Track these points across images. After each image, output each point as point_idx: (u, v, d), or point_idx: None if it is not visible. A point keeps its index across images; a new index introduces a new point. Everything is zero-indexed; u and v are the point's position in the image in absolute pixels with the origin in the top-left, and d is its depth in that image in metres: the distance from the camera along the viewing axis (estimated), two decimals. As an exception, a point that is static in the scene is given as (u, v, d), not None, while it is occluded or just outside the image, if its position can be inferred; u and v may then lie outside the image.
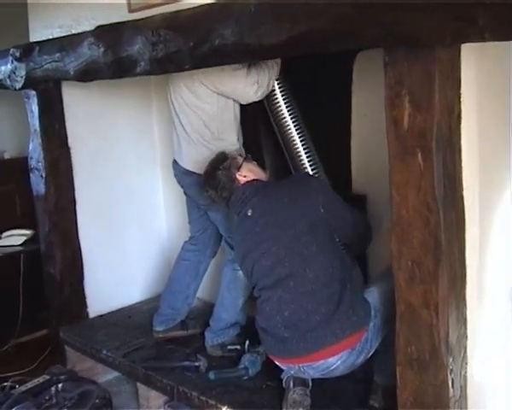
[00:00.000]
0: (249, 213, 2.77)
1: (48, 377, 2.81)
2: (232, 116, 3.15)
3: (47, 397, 2.63)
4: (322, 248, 2.65)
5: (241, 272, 3.20)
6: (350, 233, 2.83)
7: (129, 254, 4.10)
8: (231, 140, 3.16)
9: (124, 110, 4.04)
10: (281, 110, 3.20)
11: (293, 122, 3.19)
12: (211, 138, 3.12)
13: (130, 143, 4.10)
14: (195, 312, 3.69)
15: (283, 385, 2.75)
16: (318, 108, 3.21)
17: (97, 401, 2.70)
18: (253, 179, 2.88)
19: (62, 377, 2.77)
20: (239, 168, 2.89)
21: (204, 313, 3.68)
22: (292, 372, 2.73)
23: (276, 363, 2.79)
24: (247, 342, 3.17)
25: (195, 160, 3.16)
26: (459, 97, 2.15)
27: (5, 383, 2.80)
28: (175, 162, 3.34)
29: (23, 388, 2.76)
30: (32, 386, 2.77)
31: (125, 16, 3.09)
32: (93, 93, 3.76)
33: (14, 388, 2.77)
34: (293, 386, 2.68)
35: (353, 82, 3.07)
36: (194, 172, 3.16)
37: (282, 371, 2.83)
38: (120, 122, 4.03)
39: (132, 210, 4.12)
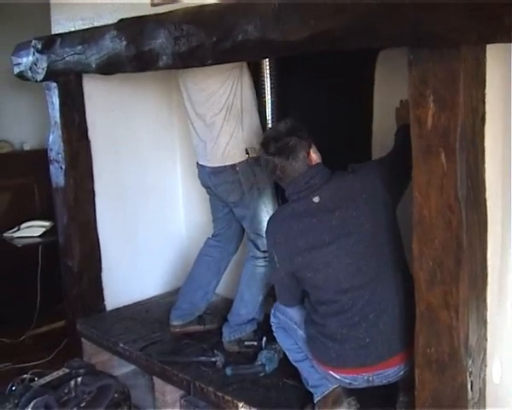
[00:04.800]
0: (316, 200, 2.52)
1: (67, 370, 2.80)
2: (249, 95, 3.16)
3: (66, 390, 2.62)
4: (397, 244, 2.52)
5: (262, 269, 3.24)
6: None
7: (147, 248, 4.10)
8: (254, 121, 3.17)
9: (144, 103, 4.04)
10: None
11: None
12: (233, 120, 3.11)
13: (151, 136, 4.10)
14: (212, 307, 3.68)
15: (318, 405, 2.68)
16: (339, 106, 3.19)
17: (116, 395, 2.69)
18: (318, 163, 2.62)
19: (82, 370, 2.75)
20: (311, 145, 2.61)
21: (221, 309, 3.70)
22: (333, 385, 2.65)
23: (336, 376, 2.58)
24: (265, 339, 3.17)
25: (223, 152, 3.15)
26: (484, 98, 2.12)
27: (24, 376, 2.79)
28: (200, 166, 3.34)
29: (42, 381, 2.75)
30: (51, 379, 2.75)
31: (147, 10, 3.07)
32: (114, 86, 3.76)
33: (34, 380, 2.77)
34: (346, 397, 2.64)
35: (375, 80, 3.05)
36: (226, 166, 3.16)
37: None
38: (141, 115, 4.03)
39: (151, 204, 4.11)
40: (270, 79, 3.34)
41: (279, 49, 2.35)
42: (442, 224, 2.07)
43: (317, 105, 3.21)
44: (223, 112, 3.09)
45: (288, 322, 2.78)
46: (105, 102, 3.84)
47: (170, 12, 2.75)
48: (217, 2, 2.61)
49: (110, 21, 3.11)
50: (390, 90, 2.96)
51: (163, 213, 4.20)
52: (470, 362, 2.13)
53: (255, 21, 2.34)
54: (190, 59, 2.68)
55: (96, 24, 3.38)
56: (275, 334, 2.91)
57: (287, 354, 2.87)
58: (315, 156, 2.61)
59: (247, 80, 3.14)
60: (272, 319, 2.89)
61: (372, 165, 2.64)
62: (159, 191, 4.16)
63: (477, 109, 2.09)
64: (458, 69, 1.96)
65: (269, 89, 3.35)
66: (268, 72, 3.33)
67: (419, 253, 2.14)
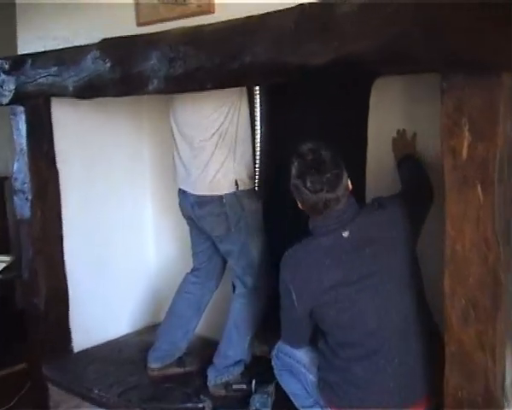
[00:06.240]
0: (345, 235, 2.35)
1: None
2: (246, 124, 3.00)
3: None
4: (421, 282, 2.42)
5: (250, 308, 3.07)
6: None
7: (116, 283, 3.83)
8: (247, 152, 3.02)
9: (115, 130, 3.80)
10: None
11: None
12: (225, 148, 2.92)
13: (121, 166, 3.86)
14: (190, 347, 3.42)
15: None
16: (332, 134, 3.06)
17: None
18: (350, 194, 2.43)
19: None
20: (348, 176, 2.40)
21: (199, 349, 3.48)
22: None
23: None
24: (254, 382, 2.99)
25: (211, 180, 2.94)
26: (517, 126, 2.03)
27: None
28: (182, 193, 3.12)
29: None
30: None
31: (132, 30, 2.90)
32: (84, 111, 3.53)
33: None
34: None
35: (370, 108, 2.94)
36: (212, 196, 2.95)
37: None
38: (112, 143, 3.79)
39: (121, 238, 3.87)
40: (260, 105, 3.20)
41: (295, 73, 2.20)
42: (478, 259, 1.96)
43: (310, 132, 3.06)
44: (215, 138, 2.90)
45: (296, 365, 2.60)
46: (74, 128, 3.59)
47: (164, 32, 2.58)
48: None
49: (87, 41, 2.91)
50: (385, 117, 2.86)
51: (133, 248, 3.96)
52: (506, 404, 2.03)
53: (266, 42, 2.20)
54: (187, 82, 2.51)
55: (70, 44, 3.14)
56: (278, 377, 2.72)
57: (292, 399, 2.67)
58: (350, 186, 2.43)
59: (245, 108, 2.97)
60: (275, 361, 2.70)
61: (396, 200, 2.48)
62: (129, 225, 3.93)
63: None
64: (499, 97, 1.87)
65: (259, 115, 3.20)
66: (258, 97, 3.19)
67: (451, 290, 2.02)
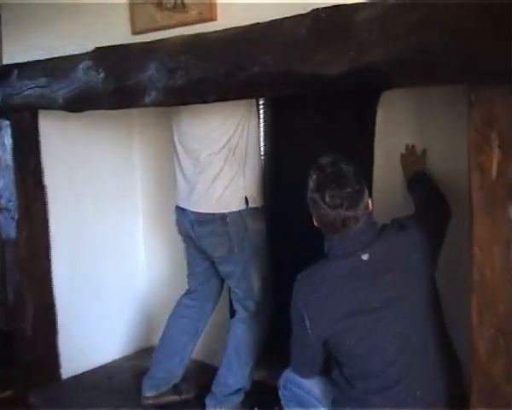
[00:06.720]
0: (365, 258, 2.18)
1: None
2: (256, 137, 2.88)
3: None
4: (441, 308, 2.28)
5: (251, 333, 2.91)
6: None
7: (107, 306, 3.66)
8: (256, 167, 2.87)
9: (105, 146, 3.64)
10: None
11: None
12: (235, 163, 2.78)
13: (112, 184, 3.69)
14: (186, 373, 3.23)
15: None
16: (338, 148, 2.93)
17: None
18: (370, 214, 2.27)
19: None
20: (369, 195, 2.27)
21: (195, 374, 3.31)
22: None
23: None
24: (256, 410, 2.84)
25: (219, 197, 2.79)
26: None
27: None
28: (180, 211, 2.95)
29: None
30: None
31: (127, 39, 2.73)
32: (72, 125, 3.37)
33: None
34: None
35: (377, 122, 2.80)
36: (215, 214, 2.80)
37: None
38: (101, 159, 3.62)
39: (111, 259, 3.70)
40: (264, 120, 3.06)
41: (308, 85, 2.05)
42: (508, 285, 1.82)
43: (314, 148, 2.93)
44: (224, 152, 2.76)
45: (306, 397, 2.43)
46: (63, 143, 3.42)
47: (163, 39, 2.43)
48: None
49: (78, 51, 2.77)
50: (392, 131, 2.73)
51: (124, 269, 3.78)
52: (536, 442, 1.88)
53: (277, 51, 2.05)
54: (189, 94, 2.37)
55: (57, 54, 2.97)
56: (286, 408, 2.55)
57: None
58: (371, 206, 2.27)
59: (254, 120, 2.84)
60: (283, 391, 2.52)
61: (416, 221, 2.32)
62: (119, 245, 3.75)
63: (542, 155, 1.87)
64: (532, 110, 1.73)
65: (262, 128, 3.07)
66: (261, 110, 3.05)
67: (479, 319, 1.88)
